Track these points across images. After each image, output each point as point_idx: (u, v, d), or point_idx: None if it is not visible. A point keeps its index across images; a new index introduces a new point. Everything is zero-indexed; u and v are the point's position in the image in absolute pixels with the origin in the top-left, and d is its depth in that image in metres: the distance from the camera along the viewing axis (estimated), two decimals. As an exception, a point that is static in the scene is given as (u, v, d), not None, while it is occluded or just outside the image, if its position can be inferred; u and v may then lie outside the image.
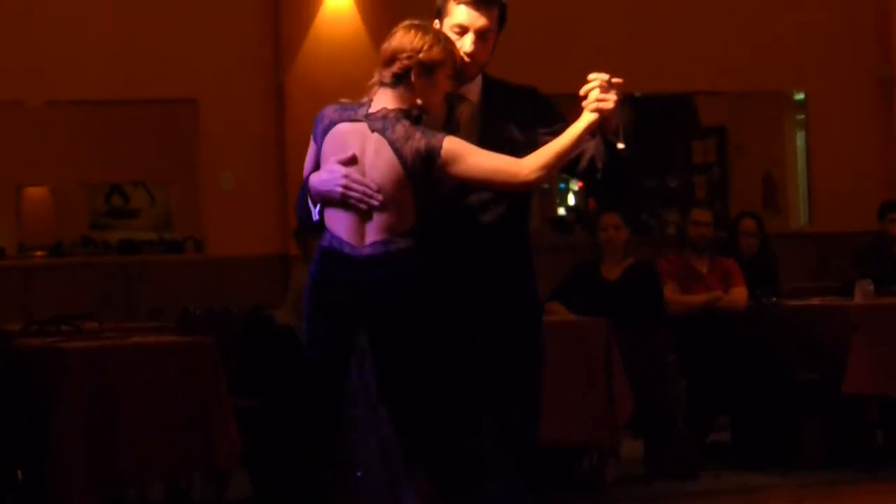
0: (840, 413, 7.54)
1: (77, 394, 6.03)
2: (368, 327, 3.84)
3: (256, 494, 6.99)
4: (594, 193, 11.30)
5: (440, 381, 3.90)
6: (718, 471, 7.46)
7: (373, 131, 3.87)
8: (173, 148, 12.20)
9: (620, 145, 3.87)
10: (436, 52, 3.86)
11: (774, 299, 7.89)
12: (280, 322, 7.62)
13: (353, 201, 3.84)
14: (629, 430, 7.39)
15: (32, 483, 6.31)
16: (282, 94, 10.22)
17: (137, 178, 13.94)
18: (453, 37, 3.95)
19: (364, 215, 3.86)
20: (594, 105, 3.79)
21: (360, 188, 3.84)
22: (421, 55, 3.85)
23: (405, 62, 3.86)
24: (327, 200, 3.90)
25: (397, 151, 3.83)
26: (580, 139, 3.82)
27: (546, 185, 12.53)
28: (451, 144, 3.82)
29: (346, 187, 3.84)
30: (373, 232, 3.86)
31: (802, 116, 12.01)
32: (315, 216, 3.94)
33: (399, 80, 3.87)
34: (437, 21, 4.01)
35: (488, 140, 3.95)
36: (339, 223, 3.90)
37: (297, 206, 4.04)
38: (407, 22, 3.93)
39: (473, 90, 4.05)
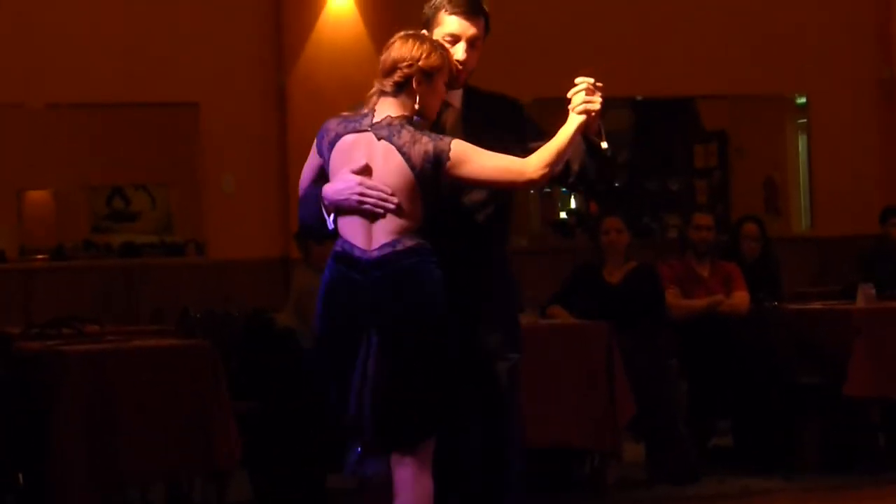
0: (842, 416, 7.54)
1: (77, 396, 6.02)
2: (376, 326, 3.97)
3: (257, 495, 6.99)
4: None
5: (441, 382, 4.00)
6: (720, 474, 7.44)
7: (379, 139, 4.02)
8: (174, 151, 12.22)
9: (604, 145, 4.11)
10: (434, 59, 4.04)
11: (776, 303, 7.88)
12: (281, 325, 7.62)
13: (368, 207, 3.98)
14: (631, 433, 7.38)
15: (33, 485, 6.31)
16: (283, 97, 10.23)
17: (138, 181, 13.96)
18: (446, 45, 4.14)
19: (373, 219, 4.01)
20: (582, 107, 4.02)
21: (376, 194, 3.99)
22: (421, 63, 4.03)
23: (406, 70, 4.02)
24: (342, 209, 4.04)
25: (405, 156, 3.98)
26: (573, 139, 4.03)
27: (547, 189, 12.56)
28: (459, 147, 3.99)
29: (362, 194, 3.99)
30: (381, 235, 4.01)
31: (804, 120, 12.01)
32: (331, 225, 4.09)
33: (400, 89, 4.04)
34: (424, 31, 4.18)
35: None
36: (350, 229, 4.05)
37: (307, 215, 4.19)
38: (402, 33, 4.10)
39: (456, 97, 4.25)
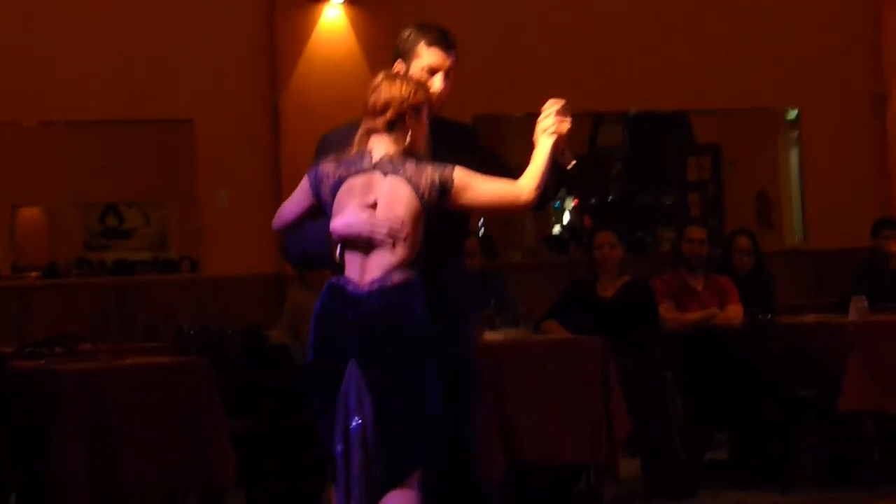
0: (838, 429, 7.54)
1: (72, 415, 6.01)
2: (363, 360, 4.08)
3: (252, 514, 6.98)
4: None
5: (430, 417, 4.10)
6: (716, 488, 7.44)
7: (385, 175, 4.17)
8: (169, 167, 12.18)
9: (573, 162, 4.32)
10: (420, 95, 4.25)
11: (770, 316, 7.88)
12: (275, 342, 7.62)
13: (379, 238, 4.11)
14: (626, 447, 7.38)
15: (28, 504, 6.29)
16: (277, 113, 10.23)
17: (133, 198, 13.92)
18: (424, 76, 4.37)
19: (366, 253, 4.13)
20: (553, 129, 4.22)
21: (387, 223, 4.12)
22: (410, 100, 4.21)
23: (398, 109, 4.19)
24: (349, 242, 4.16)
25: (414, 186, 4.14)
26: (550, 159, 4.22)
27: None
28: (461, 174, 4.16)
29: (373, 225, 4.11)
30: (375, 269, 4.13)
31: (796, 133, 12.02)
32: (338, 256, 4.21)
33: (392, 126, 4.20)
34: (399, 61, 4.41)
35: None
36: (346, 260, 4.18)
37: (307, 244, 4.35)
38: (383, 74, 4.28)
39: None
